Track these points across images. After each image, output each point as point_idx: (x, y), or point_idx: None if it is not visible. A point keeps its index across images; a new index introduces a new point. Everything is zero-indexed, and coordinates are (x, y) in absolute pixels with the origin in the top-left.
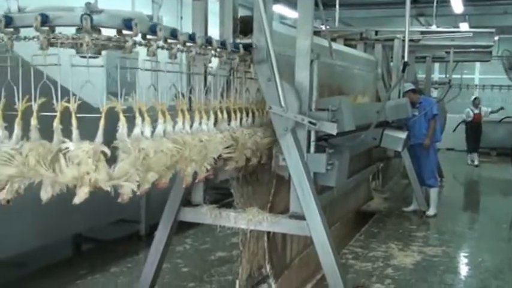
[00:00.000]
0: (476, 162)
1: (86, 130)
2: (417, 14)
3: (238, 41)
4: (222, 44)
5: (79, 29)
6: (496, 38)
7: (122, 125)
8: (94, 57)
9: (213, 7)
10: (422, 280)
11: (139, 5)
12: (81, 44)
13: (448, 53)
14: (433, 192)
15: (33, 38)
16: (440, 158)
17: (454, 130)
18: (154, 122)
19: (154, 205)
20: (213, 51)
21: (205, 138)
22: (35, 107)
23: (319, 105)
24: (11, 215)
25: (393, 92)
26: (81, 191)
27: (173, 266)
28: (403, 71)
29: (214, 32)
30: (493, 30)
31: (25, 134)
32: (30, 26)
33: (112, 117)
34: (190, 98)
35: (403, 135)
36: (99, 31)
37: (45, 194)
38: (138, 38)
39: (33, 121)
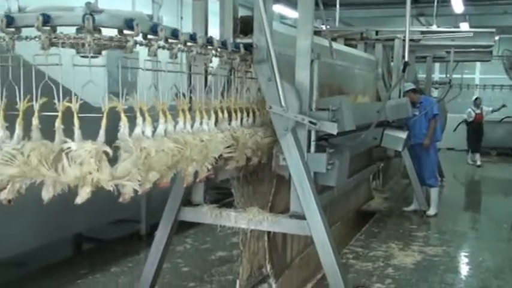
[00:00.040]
0: (478, 163)
1: (86, 130)
2: (418, 14)
3: (238, 40)
4: (223, 44)
5: (79, 29)
6: (497, 37)
7: (124, 125)
8: (94, 57)
9: (213, 7)
10: (422, 280)
11: (140, 5)
12: (83, 44)
13: (448, 52)
14: (434, 192)
15: (35, 37)
16: (441, 158)
17: (455, 130)
18: (155, 122)
19: (154, 205)
20: (213, 51)
21: (206, 138)
22: (36, 106)
23: (320, 105)
24: (11, 214)
25: (393, 92)
26: (83, 191)
27: (173, 265)
28: (404, 70)
29: (214, 32)
30: (494, 30)
31: (26, 134)
32: (32, 26)
33: (112, 117)
34: (191, 98)
35: (403, 135)
36: (100, 31)
37: (47, 194)
38: (139, 38)
39: (35, 121)
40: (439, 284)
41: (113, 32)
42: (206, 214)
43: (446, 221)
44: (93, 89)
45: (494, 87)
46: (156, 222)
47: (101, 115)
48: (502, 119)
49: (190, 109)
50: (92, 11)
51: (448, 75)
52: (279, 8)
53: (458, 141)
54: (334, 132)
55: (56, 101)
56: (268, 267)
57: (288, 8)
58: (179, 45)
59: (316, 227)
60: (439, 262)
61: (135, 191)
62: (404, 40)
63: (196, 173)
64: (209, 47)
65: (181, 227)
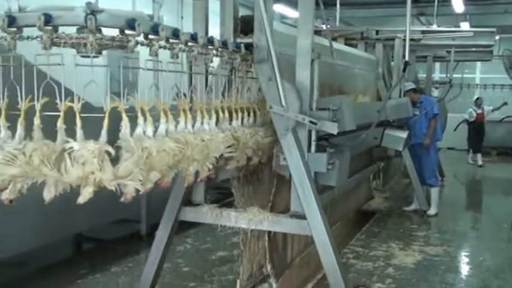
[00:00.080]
0: (480, 163)
1: (87, 130)
2: (418, 14)
3: (239, 40)
4: (224, 44)
5: (80, 29)
6: (497, 37)
7: (125, 125)
8: (95, 57)
9: (214, 6)
10: (423, 279)
11: (140, 4)
12: (85, 44)
13: (448, 52)
14: (434, 192)
15: (37, 37)
16: (441, 157)
17: (455, 129)
18: (156, 122)
19: (155, 205)
20: (214, 51)
21: (207, 138)
22: (37, 106)
23: (320, 104)
24: (12, 214)
25: (394, 92)
26: (85, 191)
27: (174, 265)
28: (404, 70)
29: (214, 32)
30: (494, 29)
31: (27, 134)
32: (33, 26)
33: (113, 117)
34: (191, 98)
35: (403, 134)
36: (100, 30)
37: (48, 194)
38: (140, 38)
39: (36, 121)
40: (439, 283)
41: (111, 32)
42: (206, 214)
43: (446, 221)
44: (94, 89)
45: (494, 86)
46: (157, 222)
47: (101, 115)
48: (503, 118)
49: (191, 109)
50: (92, 10)
51: (448, 75)
52: (279, 8)
53: (458, 140)
54: (335, 132)
55: (57, 101)
56: (269, 267)
57: (289, 8)
58: (180, 45)
59: (316, 227)
60: (440, 262)
61: (137, 191)
62: (404, 40)
63: (197, 173)
64: (210, 47)
65: (181, 226)
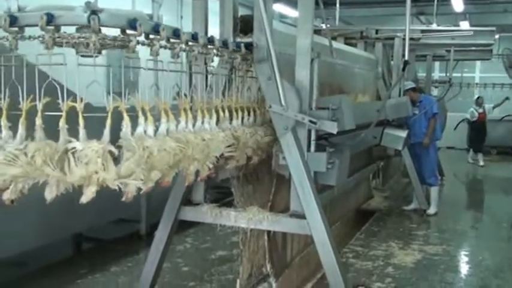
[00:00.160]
0: (481, 163)
1: (86, 129)
2: (417, 13)
3: (238, 40)
4: (224, 43)
5: (79, 28)
6: (497, 36)
7: (126, 124)
8: (91, 56)
9: (213, 6)
10: (422, 279)
11: (139, 4)
12: (87, 44)
13: (448, 51)
14: (434, 191)
15: (39, 37)
16: (441, 157)
17: (455, 129)
18: (156, 121)
19: (154, 204)
20: (215, 51)
21: (208, 137)
22: (39, 106)
23: (320, 104)
24: (12, 214)
25: (393, 91)
26: (88, 190)
27: (173, 265)
28: (404, 69)
29: (214, 31)
30: (494, 28)
31: (29, 134)
32: (35, 26)
33: (114, 117)
34: (192, 97)
35: (403, 133)
36: (100, 30)
37: (50, 194)
38: (141, 38)
39: (38, 121)
40: (439, 283)
41: (110, 31)
42: (206, 213)
43: (446, 220)
44: (93, 88)
45: (495, 85)
46: (156, 222)
47: (102, 115)
48: (503, 117)
49: (191, 108)
50: (92, 10)
51: (448, 74)
52: (279, 7)
53: (458, 140)
54: (334, 131)
55: (59, 100)
56: (268, 266)
57: (288, 7)
58: (181, 45)
59: (316, 226)
60: (439, 261)
61: (138, 190)
62: (404, 39)
63: (197, 172)
64: (210, 47)
65: (181, 226)
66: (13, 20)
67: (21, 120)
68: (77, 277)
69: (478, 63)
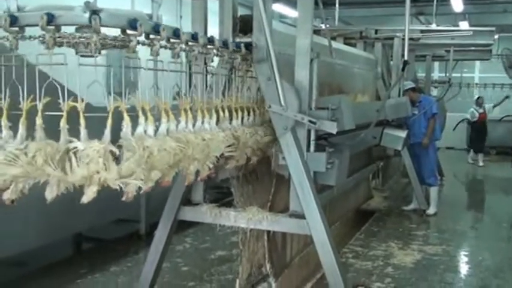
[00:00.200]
0: (481, 163)
1: (86, 130)
2: (417, 13)
3: (238, 40)
4: (224, 44)
5: (79, 28)
6: (496, 36)
7: (126, 124)
8: (92, 56)
9: (213, 6)
10: (422, 279)
11: (139, 4)
12: (87, 44)
13: (448, 51)
14: (433, 191)
15: (39, 37)
16: (440, 157)
17: (454, 129)
18: (156, 121)
19: (154, 204)
20: (215, 51)
21: (208, 137)
22: (40, 106)
23: (319, 104)
24: (12, 214)
25: (393, 91)
26: (89, 190)
27: (173, 265)
28: (403, 69)
29: (213, 31)
30: (493, 28)
31: (29, 134)
32: (36, 25)
33: (114, 116)
34: (192, 97)
35: (403, 134)
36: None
37: (50, 194)
38: (142, 38)
39: (39, 121)
40: (438, 283)
41: (109, 31)
42: (206, 213)
43: (445, 220)
44: (93, 88)
45: (495, 86)
46: (156, 222)
47: (102, 115)
48: (502, 117)
49: (191, 108)
50: (92, 10)
51: (447, 74)
52: (278, 7)
53: (458, 140)
54: (334, 132)
55: (60, 100)
56: (268, 266)
57: (288, 7)
58: (181, 45)
59: (315, 226)
60: (439, 261)
61: (138, 190)
62: (403, 39)
63: (197, 172)
64: (210, 47)
65: (180, 226)
66: (13, 20)
67: (22, 120)
68: (77, 277)
69: (478, 63)
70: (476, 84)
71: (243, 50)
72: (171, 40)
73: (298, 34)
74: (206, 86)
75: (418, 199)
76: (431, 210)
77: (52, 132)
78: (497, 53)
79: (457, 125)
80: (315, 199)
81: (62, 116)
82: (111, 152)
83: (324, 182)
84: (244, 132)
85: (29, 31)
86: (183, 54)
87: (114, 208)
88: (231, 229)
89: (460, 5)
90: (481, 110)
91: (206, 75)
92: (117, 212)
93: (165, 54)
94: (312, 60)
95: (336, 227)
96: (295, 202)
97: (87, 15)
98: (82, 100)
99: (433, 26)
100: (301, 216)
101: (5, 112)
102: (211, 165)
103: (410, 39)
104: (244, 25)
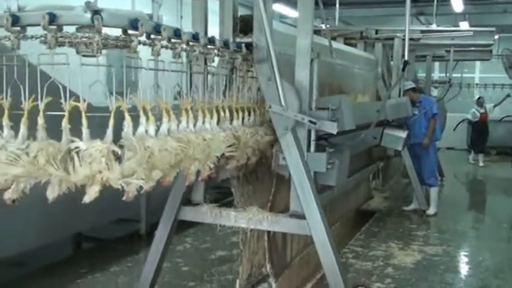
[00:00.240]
0: (481, 164)
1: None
2: (417, 13)
3: (238, 40)
4: (225, 44)
5: (80, 28)
6: (496, 36)
7: (128, 124)
8: (94, 57)
9: (213, 6)
10: (422, 279)
11: (139, 4)
12: (88, 44)
13: (448, 51)
14: (433, 191)
15: (41, 36)
16: (441, 157)
17: (455, 129)
18: (157, 121)
19: (154, 204)
20: (215, 51)
21: (209, 137)
22: (41, 106)
23: (320, 104)
24: (12, 214)
25: (393, 91)
26: (91, 190)
27: (173, 265)
28: (403, 69)
29: (214, 31)
30: (493, 29)
31: (30, 134)
32: (37, 25)
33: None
34: (193, 97)
35: (403, 134)
36: None
37: (52, 194)
38: (143, 38)
39: (40, 120)
40: (438, 283)
41: (109, 31)
42: (206, 213)
43: (446, 220)
44: (94, 88)
45: (495, 86)
46: (156, 222)
47: (103, 114)
48: (502, 118)
49: (192, 108)
50: (94, 10)
51: (447, 74)
52: (278, 7)
53: (458, 140)
54: (334, 132)
55: (61, 100)
56: (268, 266)
57: (288, 7)
58: (182, 45)
59: (316, 227)
60: (439, 261)
61: (139, 190)
62: (404, 39)
63: (198, 172)
64: (211, 47)
65: (181, 226)
66: (15, 20)
67: (23, 119)
68: (77, 277)
69: (478, 63)
70: (477, 84)
71: (244, 50)
72: (172, 40)
73: (298, 34)
74: (207, 86)
75: (419, 199)
76: (431, 211)
77: (53, 132)
78: (497, 54)
79: (458, 125)
80: (315, 199)
81: (61, 116)
82: (113, 151)
83: (324, 182)
84: (244, 132)
85: (30, 31)
86: (183, 54)
87: (114, 208)
88: (231, 229)
89: (460, 5)
90: (482, 110)
91: (207, 75)
92: (118, 211)
93: (166, 55)
94: (312, 61)
95: (336, 227)
96: (296, 202)
97: (88, 15)
98: (84, 100)
99: (434, 26)
100: (301, 216)
101: (6, 112)
102: (212, 165)
103: (411, 39)
104: (244, 25)
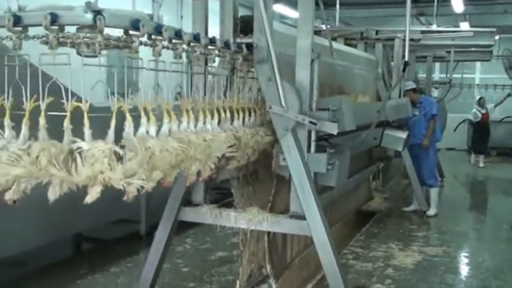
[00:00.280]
0: (481, 164)
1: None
2: (418, 14)
3: (238, 40)
4: (226, 44)
5: (80, 28)
6: (497, 37)
7: (129, 125)
8: (94, 57)
9: (213, 6)
10: (422, 280)
11: (140, 4)
12: (88, 44)
13: (448, 52)
14: (434, 192)
15: (42, 37)
16: (441, 158)
17: (455, 130)
18: (158, 121)
19: (154, 205)
20: (216, 51)
21: (209, 138)
22: (43, 106)
23: (320, 104)
24: (12, 214)
25: (394, 92)
26: (93, 190)
27: (173, 266)
28: (404, 70)
29: (214, 32)
30: (494, 29)
31: (32, 134)
32: (39, 25)
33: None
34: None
35: (403, 135)
36: None
37: (53, 194)
38: (144, 38)
39: (42, 121)
40: (439, 284)
41: (110, 31)
42: (206, 214)
43: (446, 221)
44: (95, 89)
45: (496, 87)
46: (156, 222)
47: (104, 115)
48: (502, 118)
49: (193, 109)
50: (93, 10)
51: (448, 75)
52: (279, 8)
53: (458, 141)
54: (335, 132)
55: (63, 101)
56: (268, 267)
57: (288, 8)
58: (183, 46)
59: (316, 227)
60: (439, 262)
61: (140, 189)
62: (404, 40)
63: (199, 172)
64: (212, 47)
65: (181, 227)
66: (17, 20)
67: (25, 120)
68: (77, 277)
69: (478, 64)
70: (477, 85)
71: (244, 50)
72: (173, 41)
73: (298, 35)
74: (207, 87)
75: (419, 200)
76: (431, 212)
77: (54, 132)
78: (497, 54)
79: (458, 126)
80: (316, 200)
81: (62, 116)
82: (115, 152)
83: (325, 183)
84: (245, 132)
85: (30, 31)
86: (184, 54)
87: (114, 208)
88: (231, 230)
89: (460, 6)
90: (483, 111)
91: (207, 76)
92: (118, 212)
93: (167, 55)
94: (312, 61)
95: (336, 228)
96: (296, 203)
97: (89, 15)
98: (86, 101)
99: (434, 27)
100: (301, 217)
101: (8, 112)
102: (212, 166)
103: (411, 40)
104: (244, 26)
